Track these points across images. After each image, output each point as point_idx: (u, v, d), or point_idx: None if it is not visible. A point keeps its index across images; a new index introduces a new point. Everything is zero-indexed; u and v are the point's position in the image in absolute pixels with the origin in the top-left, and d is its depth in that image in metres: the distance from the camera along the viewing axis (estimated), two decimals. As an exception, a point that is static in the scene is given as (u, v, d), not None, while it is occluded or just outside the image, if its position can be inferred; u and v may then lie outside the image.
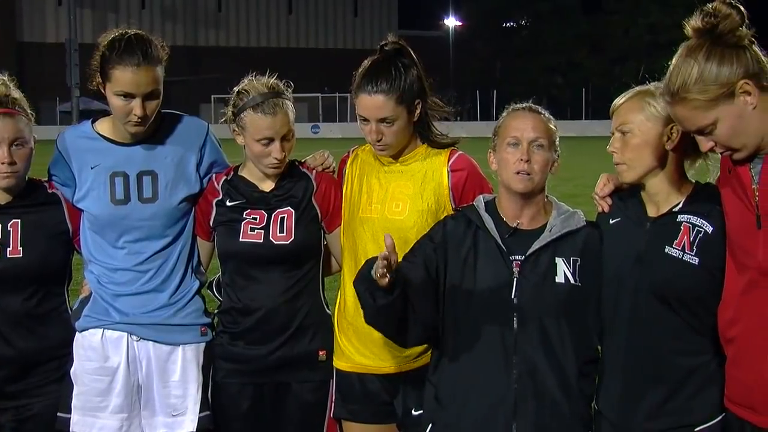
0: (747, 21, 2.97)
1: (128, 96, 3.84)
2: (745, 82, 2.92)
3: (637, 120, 3.28)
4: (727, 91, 2.93)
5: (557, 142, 3.53)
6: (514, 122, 3.50)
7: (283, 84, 4.05)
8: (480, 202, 3.60)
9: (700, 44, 2.98)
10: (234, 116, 4.00)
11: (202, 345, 4.13)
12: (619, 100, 3.36)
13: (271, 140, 3.92)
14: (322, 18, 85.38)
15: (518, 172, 3.45)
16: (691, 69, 2.96)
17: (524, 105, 3.59)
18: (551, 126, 3.52)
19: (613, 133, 3.36)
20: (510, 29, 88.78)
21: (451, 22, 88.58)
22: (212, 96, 59.32)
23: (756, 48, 2.97)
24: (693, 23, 3.00)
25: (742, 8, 2.95)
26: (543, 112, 3.55)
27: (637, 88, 3.36)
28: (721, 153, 3.08)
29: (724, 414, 3.25)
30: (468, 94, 75.51)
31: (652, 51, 75.98)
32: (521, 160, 3.43)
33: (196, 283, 4.17)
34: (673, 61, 3.04)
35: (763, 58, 2.97)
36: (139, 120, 3.87)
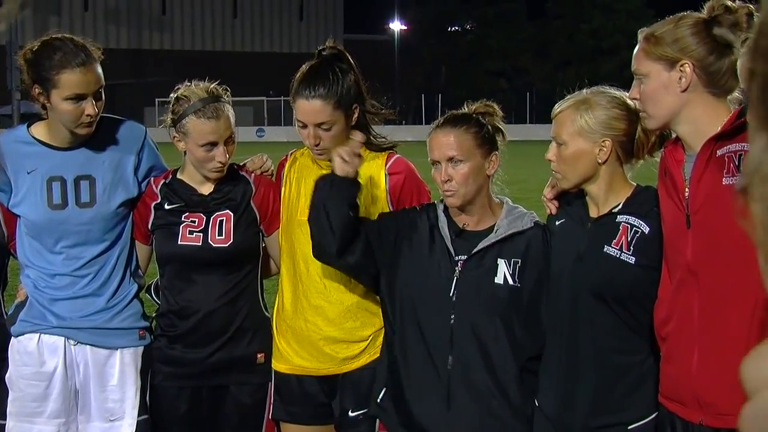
0: (744, 36, 3.03)
1: (79, 98, 3.81)
2: (689, 64, 3.04)
3: (570, 133, 3.35)
4: (670, 59, 3.06)
5: (484, 144, 3.55)
6: (432, 142, 3.57)
7: (222, 89, 4.06)
8: (440, 200, 3.67)
9: (694, 17, 3.11)
10: (174, 122, 3.99)
11: (140, 348, 4.12)
12: (557, 108, 3.42)
13: (214, 144, 3.92)
14: (268, 22, 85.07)
15: (444, 191, 3.54)
16: (669, 24, 3.11)
17: (443, 118, 3.65)
18: (470, 134, 3.53)
19: (552, 140, 3.43)
20: (455, 33, 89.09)
21: (397, 26, 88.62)
22: (156, 99, 59.02)
23: (740, 60, 2.99)
24: (713, 4, 3.08)
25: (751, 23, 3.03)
26: (462, 121, 3.57)
27: (575, 98, 3.40)
28: (640, 113, 3.24)
29: (657, 412, 3.32)
30: (414, 98, 75.69)
31: (596, 56, 76.81)
32: (442, 180, 3.52)
33: (135, 287, 4.16)
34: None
35: (735, 70, 3.05)
36: (92, 119, 3.86)
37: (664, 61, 3.08)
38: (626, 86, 3.29)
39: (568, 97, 3.41)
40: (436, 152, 3.53)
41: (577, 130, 3.33)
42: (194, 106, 3.92)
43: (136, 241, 4.15)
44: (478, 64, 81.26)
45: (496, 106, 3.69)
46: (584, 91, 3.43)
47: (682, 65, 3.05)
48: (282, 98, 63.99)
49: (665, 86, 3.09)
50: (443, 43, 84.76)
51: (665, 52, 3.07)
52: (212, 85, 4.03)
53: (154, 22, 79.85)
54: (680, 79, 3.06)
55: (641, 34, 3.17)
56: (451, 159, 3.50)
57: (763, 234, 0.58)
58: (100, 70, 3.88)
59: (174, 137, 4.02)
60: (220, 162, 3.94)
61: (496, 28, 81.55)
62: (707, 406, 3.04)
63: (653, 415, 3.32)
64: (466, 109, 3.66)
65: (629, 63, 3.23)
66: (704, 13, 3.09)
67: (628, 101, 3.34)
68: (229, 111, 3.99)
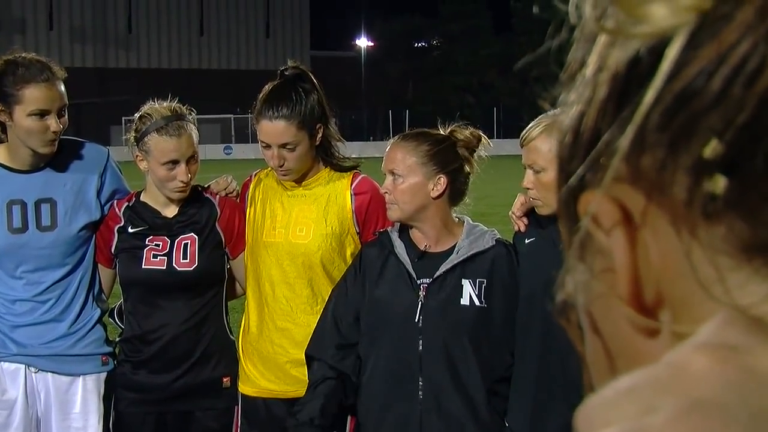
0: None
1: (43, 113, 3.76)
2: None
3: (549, 159, 3.26)
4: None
5: (431, 164, 3.45)
6: (385, 155, 3.54)
7: (186, 108, 4.01)
8: (396, 226, 3.61)
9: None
10: (137, 141, 3.94)
11: (104, 374, 4.06)
12: (527, 135, 3.35)
13: (176, 163, 3.87)
14: (234, 39, 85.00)
15: (387, 203, 3.51)
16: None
17: (403, 134, 3.63)
18: (418, 152, 3.46)
19: (525, 167, 3.37)
20: (421, 49, 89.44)
21: (363, 42, 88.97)
22: (123, 118, 58.78)
23: None
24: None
25: None
26: (414, 138, 3.51)
27: (545, 120, 3.33)
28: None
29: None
30: (381, 114, 75.88)
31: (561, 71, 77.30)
32: (383, 192, 3.51)
33: (97, 312, 4.10)
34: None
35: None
36: (55, 137, 3.81)
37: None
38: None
39: (535, 122, 3.33)
40: (383, 164, 3.50)
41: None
42: (156, 124, 3.87)
43: (99, 264, 4.10)
44: (445, 80, 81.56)
45: (482, 137, 3.61)
46: (549, 113, 3.39)
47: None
48: (249, 115, 63.11)
49: None
50: (410, 59, 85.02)
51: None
52: (175, 104, 3.98)
53: (120, 40, 79.63)
54: None
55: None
56: (392, 172, 3.46)
57: (587, 339, 0.58)
58: (63, 88, 3.83)
59: (136, 156, 3.96)
60: (182, 181, 3.88)
61: (463, 44, 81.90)
62: None
63: None
64: (443, 129, 3.59)
65: None
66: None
67: None
68: (192, 130, 3.93)
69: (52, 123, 3.77)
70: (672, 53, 0.45)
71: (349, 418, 3.75)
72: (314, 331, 3.65)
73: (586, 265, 0.52)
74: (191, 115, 4.00)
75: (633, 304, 0.49)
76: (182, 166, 3.87)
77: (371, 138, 68.78)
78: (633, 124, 0.46)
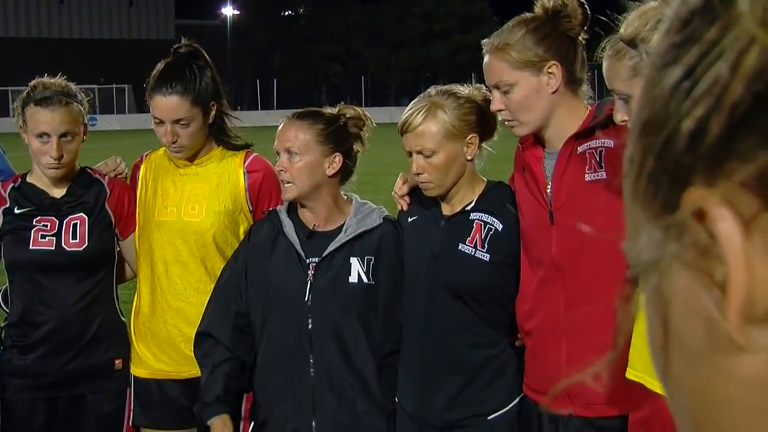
0: (586, 25, 3.13)
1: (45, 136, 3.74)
2: (555, 64, 3.08)
3: (437, 141, 3.29)
4: (537, 63, 3.07)
5: (327, 142, 3.47)
6: (277, 134, 3.51)
7: (77, 90, 3.94)
8: (285, 205, 3.62)
9: (537, 17, 3.12)
10: (21, 112, 3.86)
11: None
12: (411, 120, 3.33)
13: (48, 135, 3.78)
14: (96, 7, 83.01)
15: (281, 180, 3.51)
16: (520, 30, 3.10)
17: (295, 112, 3.61)
18: (313, 130, 3.47)
19: (410, 153, 3.36)
20: (288, 18, 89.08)
21: (229, 11, 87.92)
22: (-20, 90, 57.02)
23: (582, 50, 3.13)
24: (544, 1, 3.11)
25: (588, 11, 3.10)
26: (308, 116, 3.52)
27: (423, 106, 3.33)
28: (505, 121, 3.21)
29: (517, 401, 3.37)
30: (248, 84, 75.27)
31: (427, 39, 77.90)
32: (278, 170, 3.50)
33: (-19, 297, 3.98)
34: (512, 19, 3.17)
35: (583, 61, 3.12)
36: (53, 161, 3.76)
37: (530, 67, 3.08)
38: (458, 70, 3.27)
39: (414, 108, 3.33)
40: (277, 143, 3.49)
41: (444, 135, 3.30)
42: (38, 95, 3.80)
43: None
44: (312, 49, 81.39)
45: (368, 117, 3.64)
46: (423, 98, 3.37)
47: (549, 67, 3.08)
48: (114, 86, 62.76)
49: (536, 91, 3.10)
50: (277, 28, 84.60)
51: (529, 58, 3.08)
52: (67, 83, 3.91)
53: (-25, 8, 76.95)
54: (549, 81, 3.10)
55: (490, 46, 3.15)
56: (288, 151, 3.46)
57: (649, 323, 0.55)
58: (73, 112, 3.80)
59: (20, 127, 3.88)
60: (52, 156, 3.79)
61: (329, 12, 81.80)
62: (577, 398, 3.10)
63: (513, 403, 3.37)
64: (333, 109, 3.61)
65: (461, 47, 3.27)
66: (539, 12, 3.12)
67: (466, 90, 3.36)
68: (74, 108, 3.84)
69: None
70: None
71: (244, 397, 3.76)
72: (207, 309, 3.62)
73: (676, 247, 0.51)
74: (82, 95, 3.92)
75: (735, 318, 0.48)
76: (54, 141, 3.78)
77: (239, 108, 68.25)
78: None
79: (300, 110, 3.63)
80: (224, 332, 3.55)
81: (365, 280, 3.47)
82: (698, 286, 0.50)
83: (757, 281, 0.47)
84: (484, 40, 3.21)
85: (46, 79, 3.90)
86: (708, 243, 0.48)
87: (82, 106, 3.91)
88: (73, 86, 3.92)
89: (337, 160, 3.48)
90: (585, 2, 3.10)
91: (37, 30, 79.93)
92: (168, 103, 3.73)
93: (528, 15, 3.15)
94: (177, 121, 3.74)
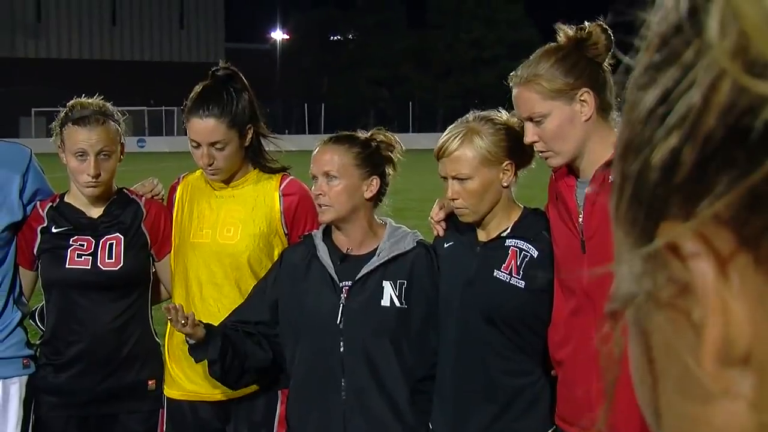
0: (611, 51, 3.10)
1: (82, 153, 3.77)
2: (587, 91, 3.05)
3: (473, 166, 3.30)
4: (569, 92, 3.05)
5: (364, 165, 3.50)
6: (313, 157, 3.54)
7: (112, 107, 3.98)
8: (321, 229, 3.63)
9: (564, 46, 3.10)
10: (59, 132, 3.91)
11: (25, 378, 3.98)
12: (447, 146, 3.33)
13: (85, 154, 3.82)
14: (147, 30, 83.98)
15: (317, 204, 3.52)
16: (548, 60, 3.07)
17: (330, 136, 3.63)
18: (350, 153, 3.49)
19: (445, 178, 3.36)
20: (336, 42, 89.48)
21: (278, 35, 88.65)
22: (32, 109, 57.80)
23: (609, 76, 3.10)
24: (566, 31, 3.11)
25: (611, 36, 3.08)
26: (345, 140, 3.54)
27: (460, 131, 3.33)
28: (539, 153, 3.19)
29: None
30: (295, 108, 75.64)
31: (476, 66, 77.92)
32: (315, 194, 3.51)
33: (18, 314, 4.02)
34: (536, 51, 3.15)
35: (611, 86, 3.10)
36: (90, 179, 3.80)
37: (563, 95, 3.06)
38: (506, 96, 3.27)
39: (451, 133, 3.34)
40: (314, 167, 3.51)
41: (480, 161, 3.30)
42: (76, 114, 3.85)
43: (20, 266, 4.02)
44: (360, 73, 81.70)
45: (397, 141, 3.66)
46: (460, 123, 3.38)
47: (582, 95, 3.06)
48: (163, 108, 63.44)
49: (570, 119, 3.07)
50: (325, 53, 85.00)
51: (561, 87, 3.06)
52: (102, 101, 3.96)
53: (29, 29, 78.09)
54: (582, 109, 3.07)
55: (519, 78, 3.13)
56: (327, 174, 3.47)
57: (635, 360, 0.53)
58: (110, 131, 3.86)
59: (58, 147, 3.94)
60: (89, 174, 3.83)
61: (377, 38, 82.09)
62: (609, 430, 3.05)
63: None
64: (363, 133, 3.62)
65: (508, 73, 3.23)
66: (564, 41, 3.11)
67: (504, 116, 3.35)
68: (111, 126, 3.90)
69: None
70: None
71: (276, 421, 3.75)
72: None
73: (653, 281, 0.49)
74: (119, 115, 3.97)
75: (710, 363, 0.46)
76: (91, 159, 3.82)
77: (287, 131, 68.61)
78: (748, 182, 0.43)
79: (335, 134, 3.64)
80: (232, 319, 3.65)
81: (397, 303, 3.47)
82: (673, 327, 0.48)
83: (735, 323, 0.45)
84: (512, 73, 3.19)
85: (83, 99, 3.95)
86: (685, 280, 0.47)
87: (119, 125, 3.94)
88: (110, 106, 3.96)
89: (375, 183, 3.51)
90: (608, 28, 3.08)
91: (89, 51, 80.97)
92: (204, 126, 3.75)
93: (553, 45, 3.13)
94: (213, 144, 3.75)
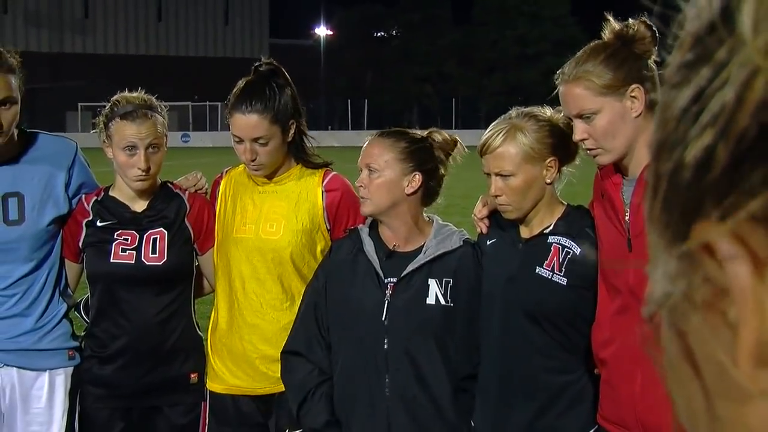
0: (656, 46, 3.08)
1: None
2: (637, 87, 3.03)
3: (516, 163, 3.28)
4: (620, 87, 3.02)
5: (408, 161, 3.49)
6: (362, 150, 3.55)
7: (156, 99, 4.00)
8: (367, 223, 3.64)
9: (611, 43, 3.08)
10: (104, 127, 3.93)
11: (70, 369, 4.02)
12: (490, 142, 3.32)
13: (135, 148, 3.84)
14: (193, 25, 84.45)
15: (360, 196, 3.54)
16: (597, 56, 3.05)
17: (382, 130, 3.64)
18: (395, 148, 3.49)
19: (489, 174, 3.35)
20: (381, 39, 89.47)
21: (322, 31, 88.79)
22: (79, 104, 58.27)
23: (656, 71, 3.07)
24: (613, 26, 3.09)
25: (656, 31, 3.04)
26: (393, 135, 3.54)
27: (503, 127, 3.32)
28: (588, 151, 3.16)
29: (594, 431, 3.31)
30: (339, 103, 75.78)
31: (520, 63, 77.61)
32: (358, 186, 3.53)
33: (64, 306, 4.06)
34: (583, 48, 3.13)
35: (658, 82, 3.06)
36: (1, 130, 3.73)
37: (613, 92, 3.03)
38: (550, 93, 3.25)
39: (494, 129, 3.33)
40: (360, 159, 3.52)
41: (523, 157, 3.28)
42: (122, 109, 3.87)
43: (66, 259, 4.05)
44: (404, 70, 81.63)
45: (458, 142, 3.64)
46: (504, 120, 3.37)
47: (632, 91, 3.02)
48: (207, 103, 63.81)
49: (621, 116, 3.04)
50: (369, 49, 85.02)
51: (611, 83, 3.03)
52: (147, 95, 3.97)
53: (76, 25, 78.85)
54: (632, 105, 3.04)
55: (567, 76, 3.11)
56: (369, 167, 3.48)
57: (671, 362, 0.53)
58: (12, 80, 3.76)
59: (103, 142, 3.96)
60: (140, 168, 3.85)
61: (422, 34, 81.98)
62: (651, 430, 3.04)
63: None
64: (421, 131, 3.61)
65: (554, 70, 3.20)
66: (610, 38, 3.08)
67: (548, 112, 3.33)
68: (158, 119, 3.91)
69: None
70: None
71: None
72: (292, 329, 3.65)
73: (687, 282, 0.49)
74: (162, 108, 3.98)
75: (746, 363, 0.46)
76: (140, 153, 3.84)
77: (329, 127, 68.74)
78: None
79: (387, 129, 3.64)
80: (310, 350, 3.57)
81: (443, 302, 3.46)
82: (709, 327, 0.48)
83: None
84: (558, 71, 3.17)
85: (127, 93, 3.97)
86: (720, 280, 0.46)
87: (164, 117, 3.97)
88: (154, 99, 3.99)
89: (417, 179, 3.48)
90: (652, 24, 3.05)
91: (134, 47, 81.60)
92: (247, 122, 3.76)
93: (600, 42, 3.11)
94: (256, 140, 3.76)
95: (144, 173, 3.85)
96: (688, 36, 0.49)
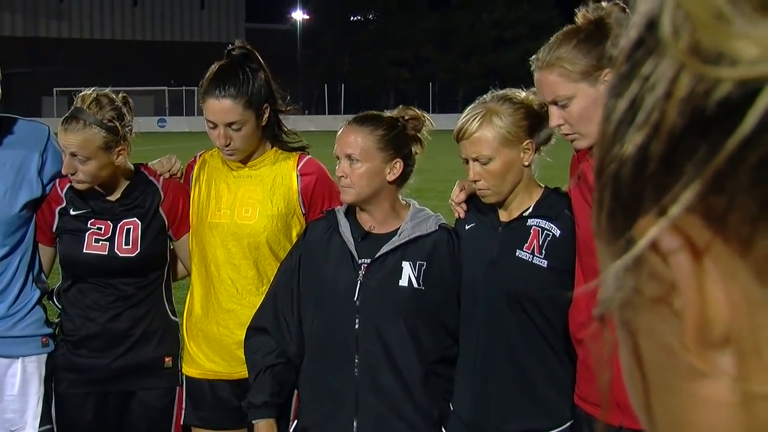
0: None
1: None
2: (610, 71, 2.99)
3: (494, 147, 3.28)
4: (594, 72, 3.01)
5: (387, 148, 3.47)
6: (337, 138, 3.51)
7: (121, 99, 3.90)
8: (344, 206, 3.61)
9: (584, 27, 3.06)
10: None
11: (44, 356, 4.01)
12: (467, 127, 3.31)
13: (74, 155, 3.79)
14: (168, 10, 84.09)
15: (341, 186, 3.50)
16: (570, 42, 3.04)
17: (355, 116, 3.60)
18: (374, 136, 3.46)
19: (466, 160, 3.34)
20: (358, 23, 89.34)
21: (299, 15, 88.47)
22: (54, 89, 57.93)
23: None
24: (585, 12, 3.07)
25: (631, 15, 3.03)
26: (369, 121, 3.50)
27: (479, 112, 3.31)
28: (564, 135, 3.15)
29: (574, 419, 3.32)
30: (316, 88, 75.65)
31: (497, 46, 77.69)
32: (338, 176, 3.48)
33: (37, 293, 4.04)
34: (556, 34, 3.11)
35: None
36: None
37: (587, 77, 3.02)
38: (528, 76, 3.24)
39: (469, 114, 3.31)
40: (338, 148, 3.48)
41: (500, 141, 3.28)
42: (69, 111, 3.84)
43: (40, 243, 4.03)
44: (381, 54, 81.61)
45: (426, 117, 3.61)
46: (479, 104, 3.35)
47: (605, 75, 3.01)
48: (183, 88, 63.49)
49: (595, 101, 3.02)
50: (346, 33, 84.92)
51: (584, 68, 3.02)
52: (91, 99, 3.83)
53: (52, 10, 78.30)
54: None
55: (540, 62, 3.10)
56: (349, 157, 3.45)
57: (623, 358, 0.55)
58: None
59: None
60: (69, 173, 3.82)
61: (399, 18, 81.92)
62: (627, 408, 3.03)
63: (569, 423, 3.33)
64: (392, 112, 3.59)
65: (531, 53, 3.19)
66: (584, 23, 3.06)
67: (522, 94, 3.32)
68: (91, 131, 3.78)
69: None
70: (762, 104, 0.43)
71: (294, 396, 3.76)
72: (260, 305, 3.66)
73: (635, 280, 0.51)
74: (128, 113, 3.90)
75: (693, 345, 0.48)
76: (67, 158, 3.79)
77: (306, 112, 68.56)
78: (712, 167, 0.44)
79: (360, 114, 3.60)
80: (277, 329, 3.57)
81: (415, 284, 3.45)
82: (658, 318, 0.50)
83: (712, 306, 0.47)
84: (533, 57, 3.16)
85: (91, 91, 3.87)
86: (664, 273, 0.48)
87: (97, 125, 3.81)
88: (113, 103, 3.87)
89: (398, 165, 3.48)
90: (626, 7, 3.03)
91: (110, 32, 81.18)
92: (221, 106, 3.73)
93: (573, 27, 3.09)
94: (230, 125, 3.73)
95: (76, 180, 3.83)
96: (622, 52, 0.52)
